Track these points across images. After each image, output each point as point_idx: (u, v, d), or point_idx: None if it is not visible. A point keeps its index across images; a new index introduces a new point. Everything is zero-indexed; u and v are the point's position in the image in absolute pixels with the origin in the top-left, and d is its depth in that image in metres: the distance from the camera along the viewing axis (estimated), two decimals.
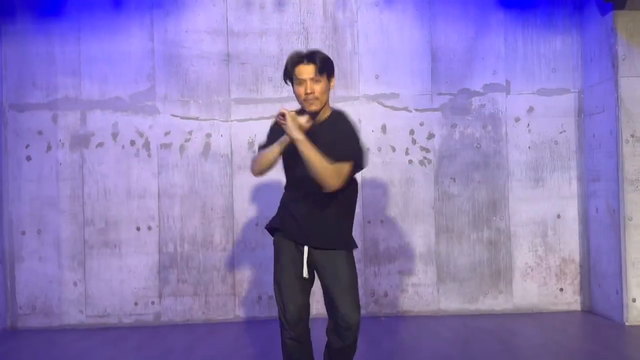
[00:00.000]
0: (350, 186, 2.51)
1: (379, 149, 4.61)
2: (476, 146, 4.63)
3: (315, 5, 4.64)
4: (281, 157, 2.52)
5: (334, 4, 4.65)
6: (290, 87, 2.54)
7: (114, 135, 4.56)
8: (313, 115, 2.45)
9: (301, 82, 2.42)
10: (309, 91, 2.40)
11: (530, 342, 3.86)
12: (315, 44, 4.61)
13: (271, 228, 2.64)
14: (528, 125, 4.64)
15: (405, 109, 4.62)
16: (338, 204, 2.48)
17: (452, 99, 4.64)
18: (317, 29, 4.64)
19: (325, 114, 2.52)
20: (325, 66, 2.44)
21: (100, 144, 4.56)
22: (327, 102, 2.52)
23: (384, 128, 4.62)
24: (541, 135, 4.64)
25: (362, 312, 4.41)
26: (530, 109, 4.65)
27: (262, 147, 2.63)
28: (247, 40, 4.62)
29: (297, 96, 2.46)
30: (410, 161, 4.61)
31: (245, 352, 3.73)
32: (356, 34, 4.65)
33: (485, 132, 4.64)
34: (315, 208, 2.47)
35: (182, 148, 4.59)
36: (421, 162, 4.62)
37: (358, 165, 2.46)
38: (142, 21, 4.59)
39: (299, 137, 2.34)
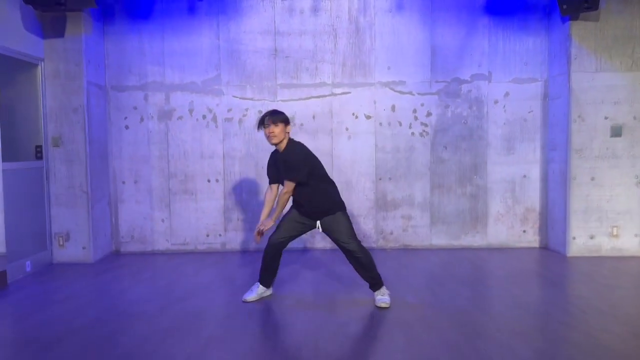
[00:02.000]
0: (310, 181, 3.99)
1: (389, 124, 6.05)
2: (464, 122, 6.05)
3: (343, 11, 6.02)
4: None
5: (357, 10, 6.02)
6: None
7: (190, 111, 6.07)
8: (275, 145, 4.03)
9: (267, 126, 3.98)
10: (269, 132, 3.96)
11: (497, 266, 5.39)
12: (342, 42, 6.02)
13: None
14: (504, 106, 6.03)
15: (410, 93, 6.04)
16: (312, 193, 3.98)
17: (447, 85, 6.04)
18: (343, 30, 6.03)
19: (283, 145, 4.02)
20: (278, 119, 3.96)
21: (180, 117, 6.08)
22: (284, 138, 4.00)
23: (393, 107, 6.05)
24: (514, 114, 6.04)
25: (373, 245, 6.09)
26: (507, 94, 6.03)
27: (268, 171, 4.26)
28: (289, 39, 6.03)
29: (265, 135, 4.01)
30: (413, 133, 6.06)
31: (288, 269, 5.32)
32: (374, 34, 6.03)
33: (471, 112, 6.05)
34: (306, 200, 4.01)
35: (240, 121, 6.08)
36: (421, 134, 6.06)
37: (293, 180, 3.94)
38: (211, 24, 6.02)
39: (272, 223, 4.07)
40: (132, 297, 4.38)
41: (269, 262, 4.16)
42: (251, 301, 4.13)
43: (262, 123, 3.98)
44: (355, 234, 4.05)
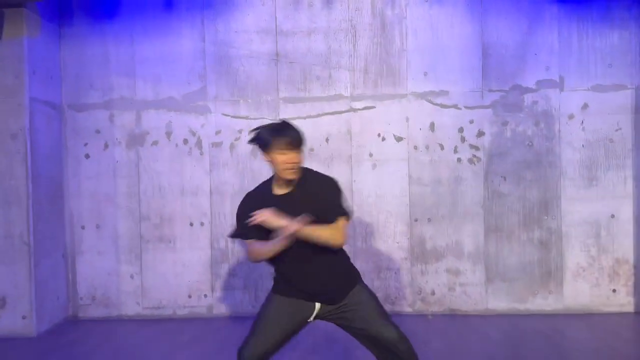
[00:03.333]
0: None
1: (427, 147, 4.59)
2: (528, 144, 4.55)
3: (364, 2, 4.62)
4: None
5: (382, 0, 4.62)
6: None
7: (168, 134, 4.70)
8: (288, 181, 2.45)
9: (283, 153, 2.40)
10: (295, 161, 2.40)
11: (582, 345, 3.83)
12: (363, 42, 4.61)
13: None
14: (582, 122, 4.52)
15: (455, 106, 4.58)
16: (337, 253, 2.51)
17: (504, 95, 4.56)
18: (365, 26, 4.62)
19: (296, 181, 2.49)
20: (302, 138, 2.45)
21: (155, 142, 4.71)
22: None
23: (432, 126, 4.59)
24: (596, 133, 4.52)
25: (408, 309, 4.54)
26: (585, 106, 4.53)
27: (240, 233, 2.57)
28: (295, 39, 4.65)
29: (276, 164, 2.43)
30: (459, 159, 4.58)
31: (296, 344, 3.83)
32: (405, 31, 4.61)
33: (538, 130, 4.55)
34: (325, 267, 2.46)
35: (232, 146, 4.69)
36: (470, 161, 4.58)
37: (350, 217, 2.51)
38: (193, 22, 4.68)
39: (298, 227, 2.34)
40: None
41: None
42: None
43: (267, 145, 2.44)
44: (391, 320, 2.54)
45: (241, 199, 2.60)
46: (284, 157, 2.40)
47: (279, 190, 2.49)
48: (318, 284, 2.46)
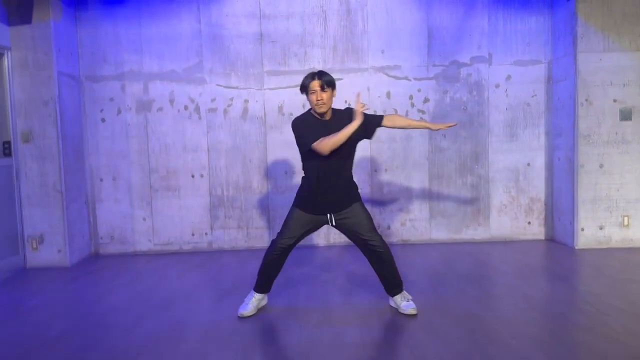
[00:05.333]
0: (353, 154, 3.54)
1: (384, 112, 5.67)
2: (463, 108, 5.68)
3: None
4: (308, 150, 3.34)
5: None
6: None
7: (171, 102, 5.66)
8: (321, 114, 3.42)
9: (313, 92, 3.36)
10: (319, 98, 3.36)
11: (502, 261, 5.05)
12: (332, 24, 5.62)
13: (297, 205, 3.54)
14: (506, 90, 5.67)
15: (406, 78, 5.66)
16: (349, 171, 3.50)
17: (445, 69, 5.66)
18: (333, 12, 5.63)
19: (330, 113, 3.46)
20: (328, 80, 3.37)
21: (160, 109, 5.67)
22: (331, 107, 3.46)
23: (388, 94, 5.67)
24: (516, 99, 5.68)
25: None
26: (508, 77, 5.67)
27: (308, 138, 3.33)
28: (276, 22, 5.63)
29: (310, 102, 3.38)
30: None
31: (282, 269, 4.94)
32: (366, 16, 5.63)
33: (471, 97, 5.68)
34: (340, 179, 3.44)
35: (225, 112, 5.68)
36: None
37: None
38: (190, 7, 5.60)
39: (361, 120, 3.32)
40: (107, 305, 4.00)
41: (271, 267, 3.59)
42: (248, 316, 3.57)
43: (305, 88, 3.35)
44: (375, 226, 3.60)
45: (293, 122, 3.43)
46: (313, 96, 3.35)
47: (319, 119, 3.40)
48: (334, 194, 3.40)
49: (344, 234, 3.60)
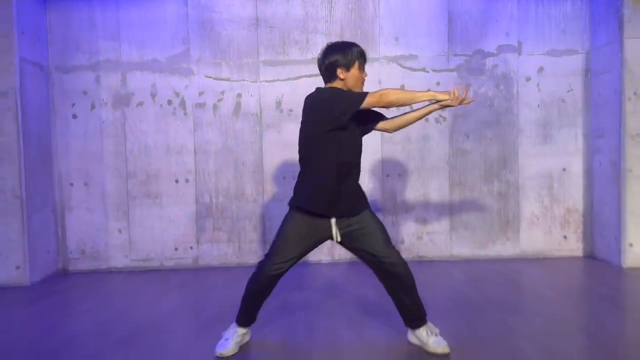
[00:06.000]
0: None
1: (398, 108, 4.92)
2: (489, 105, 4.95)
3: None
4: (329, 143, 2.68)
5: None
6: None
7: (153, 95, 4.93)
8: None
9: (363, 68, 2.80)
10: (366, 76, 2.83)
11: (538, 282, 4.27)
12: (339, 8, 4.90)
13: (297, 207, 2.77)
14: (538, 84, 4.94)
15: (423, 69, 4.93)
16: (359, 173, 2.80)
17: (467, 59, 4.93)
18: None
19: None
20: None
21: (140, 103, 4.93)
22: None
23: (402, 88, 4.93)
24: (550, 94, 4.94)
25: None
26: (541, 69, 4.94)
27: (353, 99, 2.70)
28: (274, 4, 4.91)
29: (356, 79, 2.76)
30: (427, 119, 4.94)
31: (274, 291, 4.16)
32: None
33: (498, 91, 4.95)
34: (352, 181, 2.75)
35: (215, 107, 4.94)
36: (437, 120, 4.96)
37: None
38: None
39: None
40: (62, 336, 3.21)
41: (257, 297, 2.85)
42: (229, 356, 2.78)
43: (352, 62, 2.74)
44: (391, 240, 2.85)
45: (318, 92, 2.75)
46: (363, 75, 2.78)
47: None
48: (346, 195, 2.70)
49: (352, 251, 2.84)
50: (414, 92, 2.71)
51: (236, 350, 2.83)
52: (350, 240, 2.77)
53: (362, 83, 2.82)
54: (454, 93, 2.69)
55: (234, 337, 2.84)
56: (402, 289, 2.79)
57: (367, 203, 2.85)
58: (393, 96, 2.61)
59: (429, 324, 2.85)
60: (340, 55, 2.74)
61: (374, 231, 2.76)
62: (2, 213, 4.46)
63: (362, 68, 2.79)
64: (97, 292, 4.33)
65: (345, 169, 2.72)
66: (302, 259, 2.88)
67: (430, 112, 2.91)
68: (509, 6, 4.89)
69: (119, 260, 4.98)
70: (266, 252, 2.85)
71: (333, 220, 2.73)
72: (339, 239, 2.76)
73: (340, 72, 2.75)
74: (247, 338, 2.94)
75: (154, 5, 4.88)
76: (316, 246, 2.83)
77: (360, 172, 2.83)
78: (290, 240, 2.74)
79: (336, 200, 2.71)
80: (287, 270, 2.79)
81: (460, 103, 2.73)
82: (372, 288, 3.84)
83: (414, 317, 2.84)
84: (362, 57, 2.79)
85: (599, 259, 4.85)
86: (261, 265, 2.80)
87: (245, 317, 2.88)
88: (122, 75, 4.92)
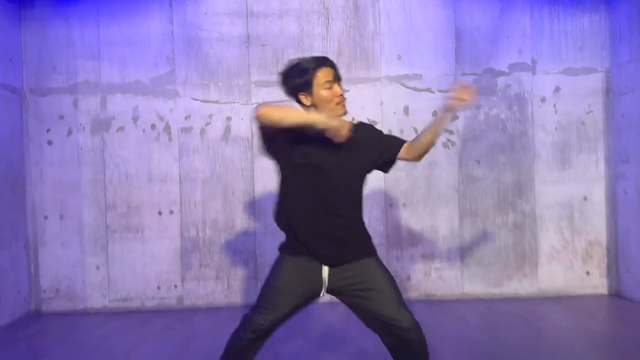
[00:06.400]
0: (363, 188, 2.39)
1: (401, 131, 4.52)
2: (501, 127, 4.53)
3: None
4: (291, 169, 2.28)
5: None
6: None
7: (135, 119, 4.53)
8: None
9: (329, 85, 2.26)
10: (340, 93, 2.28)
11: (558, 327, 3.80)
12: (336, 24, 4.54)
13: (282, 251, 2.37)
14: (554, 105, 4.53)
15: (428, 90, 4.54)
16: (351, 212, 2.30)
17: (477, 79, 4.54)
18: (337, 9, 4.55)
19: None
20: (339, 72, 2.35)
21: (120, 128, 4.53)
22: None
23: (406, 110, 4.54)
24: (568, 116, 4.53)
25: None
26: (557, 89, 4.53)
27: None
28: (267, 22, 4.54)
29: (324, 100, 2.26)
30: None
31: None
32: (378, 13, 4.55)
33: (511, 113, 4.54)
34: (347, 215, 2.27)
35: (202, 132, 4.55)
36: (444, 145, 4.54)
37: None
38: (161, 4, 4.52)
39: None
40: None
41: (247, 354, 2.31)
42: None
43: (308, 81, 2.23)
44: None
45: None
46: (327, 92, 2.24)
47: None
48: (328, 241, 2.22)
49: (352, 308, 2.34)
50: (296, 111, 2.20)
51: None
52: (350, 297, 2.29)
53: (339, 103, 2.27)
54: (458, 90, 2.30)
55: None
56: (411, 358, 2.29)
57: (371, 248, 2.35)
58: (269, 113, 2.16)
59: None
60: (296, 78, 2.26)
61: (382, 286, 2.23)
62: None
63: (329, 84, 2.25)
64: (71, 337, 3.88)
65: (318, 207, 2.23)
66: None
67: (443, 123, 2.45)
68: (521, 22, 4.51)
69: (96, 300, 4.52)
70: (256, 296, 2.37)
71: (325, 269, 2.26)
72: (324, 293, 2.26)
73: (304, 99, 2.27)
74: None
75: (136, 23, 4.51)
76: (312, 298, 2.32)
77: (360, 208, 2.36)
78: (280, 291, 2.26)
79: (312, 243, 2.23)
80: (276, 326, 2.32)
81: (463, 101, 2.37)
82: (377, 338, 3.38)
83: None
84: (321, 67, 2.25)
85: (625, 298, 4.38)
86: (245, 319, 2.33)
87: None
88: (101, 98, 4.53)
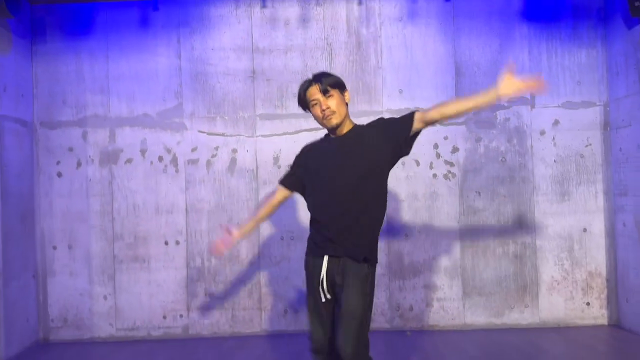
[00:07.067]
0: (383, 195, 2.54)
1: (403, 163, 4.60)
2: (501, 160, 4.62)
3: (339, 21, 4.67)
4: (302, 185, 2.65)
5: (357, 19, 4.68)
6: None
7: (142, 152, 4.64)
8: (334, 129, 2.53)
9: (315, 102, 2.48)
10: (324, 107, 2.46)
11: (557, 357, 3.85)
12: (339, 60, 4.65)
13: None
14: (553, 138, 4.62)
15: None
16: (366, 205, 2.47)
17: (477, 112, 4.63)
18: (340, 45, 4.67)
19: (347, 127, 2.55)
20: (331, 81, 2.50)
21: (129, 160, 4.64)
22: (347, 115, 2.55)
23: None
24: (567, 149, 4.62)
25: (387, 325, 4.50)
26: (556, 122, 4.63)
27: (286, 178, 2.75)
28: (271, 57, 4.66)
29: (317, 118, 2.54)
30: (435, 175, 4.62)
31: None
32: (380, 49, 4.67)
33: (510, 146, 4.63)
34: (346, 216, 2.44)
35: (208, 163, 4.65)
36: (445, 176, 4.63)
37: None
38: (169, 39, 4.66)
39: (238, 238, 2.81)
40: None
41: None
42: None
43: (304, 102, 2.57)
44: (367, 328, 2.44)
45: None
46: (317, 108, 2.47)
47: (331, 139, 2.59)
48: (330, 233, 2.44)
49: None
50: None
51: None
52: (334, 294, 2.48)
53: (324, 117, 2.51)
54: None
55: None
56: None
57: (367, 255, 2.46)
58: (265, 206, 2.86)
59: None
60: (298, 103, 2.64)
61: (350, 303, 2.37)
62: None
63: (315, 101, 2.51)
64: None
65: (324, 206, 2.48)
66: None
67: (489, 102, 2.59)
68: (520, 57, 4.62)
69: (103, 329, 4.60)
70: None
71: (326, 258, 2.45)
72: (323, 275, 2.43)
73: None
74: None
75: (145, 58, 4.64)
76: (325, 292, 2.46)
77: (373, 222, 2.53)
78: (310, 303, 2.52)
79: (324, 236, 2.47)
80: (327, 342, 2.46)
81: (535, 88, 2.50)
82: None
83: None
84: (308, 88, 2.53)
85: (625, 329, 4.43)
86: (311, 339, 2.55)
87: None
88: (110, 131, 4.65)
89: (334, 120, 2.47)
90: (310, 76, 2.66)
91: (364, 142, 2.49)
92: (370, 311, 2.48)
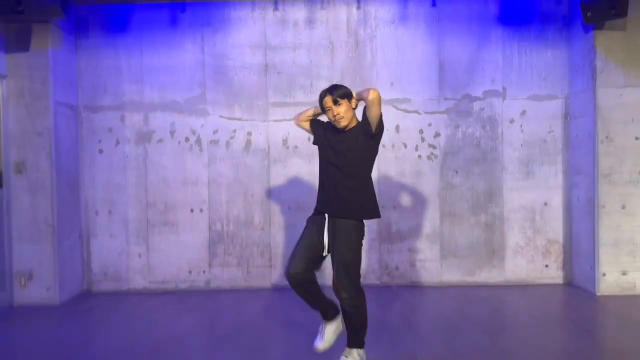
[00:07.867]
0: (369, 173, 3.27)
1: (393, 146, 5.43)
2: (476, 144, 5.43)
3: (340, 23, 5.45)
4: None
5: (356, 22, 5.45)
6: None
7: (172, 133, 5.45)
8: (343, 129, 3.27)
9: (329, 109, 3.23)
10: (335, 113, 3.22)
11: (519, 308, 4.70)
12: (340, 56, 5.43)
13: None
14: (521, 126, 5.42)
15: (416, 111, 5.43)
16: (355, 186, 3.18)
17: (457, 103, 5.43)
18: (341, 43, 5.44)
19: (352, 125, 3.28)
20: (340, 93, 3.23)
21: (160, 140, 5.45)
22: (353, 117, 3.30)
23: (397, 128, 5.44)
24: (532, 135, 5.42)
25: (377, 282, 5.36)
26: (523, 112, 5.42)
27: (314, 120, 3.44)
28: (282, 53, 5.44)
29: (330, 119, 3.28)
30: (419, 156, 5.43)
31: (281, 313, 4.63)
32: (375, 48, 5.44)
33: (484, 132, 5.43)
34: (343, 179, 3.16)
35: (227, 144, 5.46)
36: (428, 157, 5.44)
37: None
38: (194, 37, 5.44)
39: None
40: (92, 352, 3.69)
41: (307, 296, 3.20)
42: (324, 349, 3.23)
43: (322, 107, 3.25)
44: (359, 269, 3.18)
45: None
46: (330, 113, 3.20)
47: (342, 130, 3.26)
48: (331, 199, 3.14)
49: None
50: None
51: (332, 342, 3.25)
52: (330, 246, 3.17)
53: (335, 121, 3.19)
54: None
55: (325, 332, 3.26)
56: (348, 322, 3.19)
57: (358, 214, 3.14)
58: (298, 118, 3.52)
59: (358, 351, 3.20)
60: (319, 105, 3.29)
61: (341, 250, 3.09)
62: (36, 240, 4.96)
63: (329, 107, 3.18)
64: (119, 312, 4.80)
65: (327, 175, 3.21)
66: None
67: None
68: (494, 56, 5.40)
69: (138, 282, 5.46)
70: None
71: (326, 216, 3.16)
72: (326, 236, 3.13)
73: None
74: (340, 329, 3.26)
75: (174, 54, 5.42)
76: (320, 242, 3.15)
77: (368, 186, 3.22)
78: (301, 242, 3.20)
79: (327, 197, 3.19)
80: (304, 273, 3.13)
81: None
82: None
83: (350, 341, 3.23)
84: (324, 97, 3.20)
85: (576, 287, 5.28)
86: (285, 272, 3.22)
87: (324, 311, 3.27)
88: (144, 115, 5.45)
89: (343, 123, 3.20)
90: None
91: (359, 140, 3.23)
92: (360, 258, 3.23)
